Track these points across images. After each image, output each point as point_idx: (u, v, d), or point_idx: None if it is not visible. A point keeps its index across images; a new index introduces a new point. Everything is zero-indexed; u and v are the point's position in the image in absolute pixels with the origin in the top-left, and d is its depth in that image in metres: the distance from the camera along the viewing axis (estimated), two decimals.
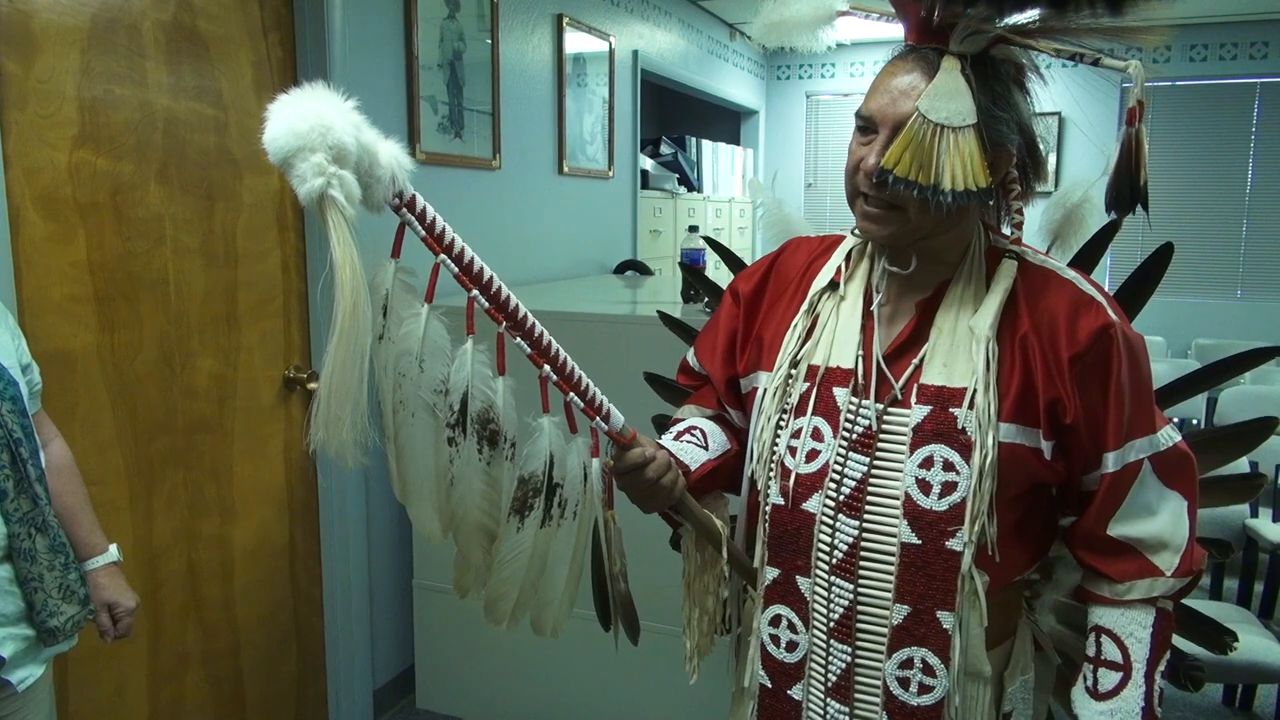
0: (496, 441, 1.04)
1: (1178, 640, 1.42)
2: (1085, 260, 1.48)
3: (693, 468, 1.23)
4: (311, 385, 2.53)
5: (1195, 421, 4.04)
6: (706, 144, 5.42)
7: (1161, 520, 1.12)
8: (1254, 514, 2.99)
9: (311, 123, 0.83)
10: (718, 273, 2.38)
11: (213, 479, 2.31)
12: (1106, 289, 1.15)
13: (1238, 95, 5.46)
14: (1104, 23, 1.05)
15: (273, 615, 2.53)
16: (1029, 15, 1.08)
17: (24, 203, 1.83)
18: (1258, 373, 4.35)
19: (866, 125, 1.09)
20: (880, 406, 1.12)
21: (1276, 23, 5.29)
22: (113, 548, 1.60)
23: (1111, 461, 1.10)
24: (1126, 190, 1.15)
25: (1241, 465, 2.76)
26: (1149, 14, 1.02)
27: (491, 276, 1.01)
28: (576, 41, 3.75)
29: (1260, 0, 4.87)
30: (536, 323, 1.04)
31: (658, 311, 1.85)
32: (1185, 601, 1.51)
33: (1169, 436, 1.13)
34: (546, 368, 1.05)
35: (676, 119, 5.98)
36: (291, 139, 0.82)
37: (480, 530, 1.09)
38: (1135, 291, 1.43)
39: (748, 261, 1.66)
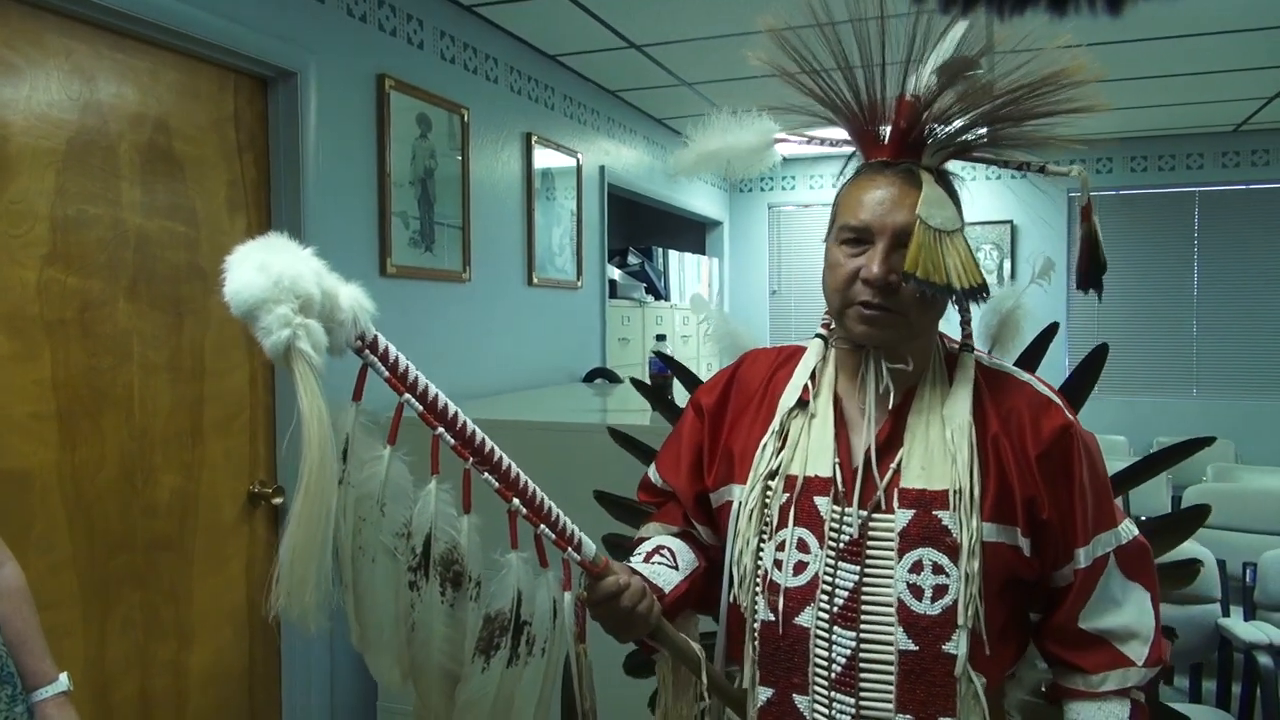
0: (460, 583, 0.99)
1: None
2: (1027, 361, 1.53)
3: (666, 590, 1.20)
4: (276, 500, 2.49)
5: None
6: (673, 254, 5.55)
7: (1129, 612, 1.14)
8: (1225, 613, 2.99)
9: (275, 274, 0.80)
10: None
11: (170, 600, 2.24)
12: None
13: (1178, 203, 5.71)
14: (1040, 135, 1.12)
15: None
16: (979, 132, 1.15)
17: None
18: (1221, 470, 4.42)
19: (859, 238, 1.11)
20: (864, 513, 1.11)
21: (1209, 135, 5.60)
22: (63, 676, 1.53)
23: (1082, 557, 1.12)
24: (1095, 273, 1.22)
25: (1212, 570, 2.77)
26: (1069, 129, 1.10)
27: (456, 412, 0.98)
28: (545, 158, 3.86)
29: (1193, 115, 5.16)
30: (504, 456, 1.02)
31: (608, 428, 1.82)
32: (1170, 705, 1.50)
33: (1129, 530, 1.17)
34: (515, 501, 1.03)
35: (643, 230, 6.13)
36: (256, 291, 0.80)
37: (443, 674, 1.03)
38: (1074, 390, 1.48)
39: (705, 374, 1.67)
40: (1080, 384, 1.48)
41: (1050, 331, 1.53)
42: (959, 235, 1.07)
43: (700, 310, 1.70)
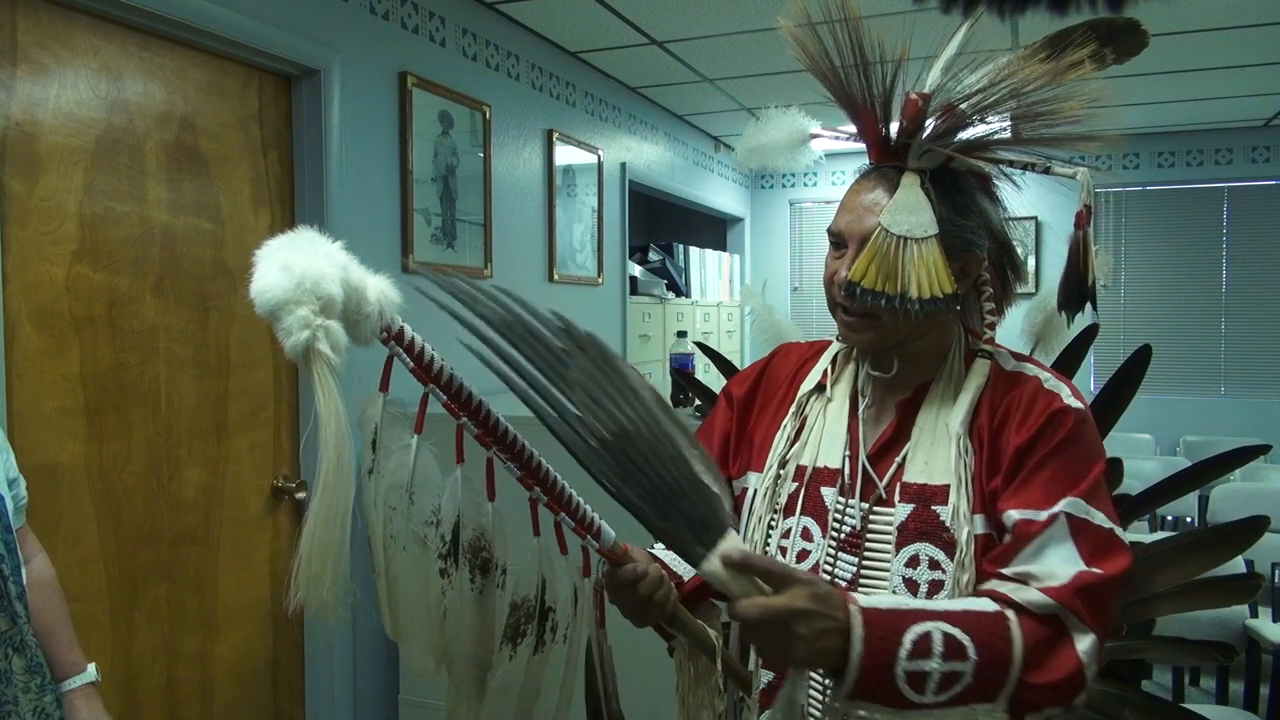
0: (489, 569, 1.01)
1: None
2: (1068, 362, 1.50)
3: (685, 578, 1.22)
4: (300, 495, 2.51)
5: (1189, 520, 4.01)
6: (694, 250, 5.54)
7: (1062, 570, 0.98)
8: (1254, 614, 2.95)
9: (298, 275, 0.82)
10: (707, 375, 2.40)
11: (196, 592, 2.27)
12: (1081, 390, 1.16)
13: (1207, 198, 5.63)
14: (1050, 134, 1.09)
15: None
16: (983, 130, 1.13)
17: (20, 317, 1.85)
18: (1248, 470, 4.35)
19: (837, 241, 1.14)
20: (866, 506, 1.12)
21: (1238, 130, 5.52)
22: (91, 667, 1.55)
23: (1015, 516, 1.02)
24: (1075, 290, 1.18)
25: (1238, 564, 2.74)
26: (1093, 125, 1.07)
27: (481, 402, 0.99)
28: (566, 154, 3.87)
29: (1222, 110, 5.09)
30: (526, 444, 1.03)
31: (671, 370, 1.84)
32: (1196, 708, 1.47)
33: (1102, 518, 1.02)
34: (537, 489, 1.04)
35: (664, 226, 6.12)
36: (278, 292, 0.81)
37: (473, 661, 1.05)
38: (1117, 392, 1.46)
39: (737, 364, 1.68)
40: (1123, 387, 1.45)
41: (1090, 333, 1.50)
42: (930, 242, 1.05)
43: (748, 301, 1.73)
